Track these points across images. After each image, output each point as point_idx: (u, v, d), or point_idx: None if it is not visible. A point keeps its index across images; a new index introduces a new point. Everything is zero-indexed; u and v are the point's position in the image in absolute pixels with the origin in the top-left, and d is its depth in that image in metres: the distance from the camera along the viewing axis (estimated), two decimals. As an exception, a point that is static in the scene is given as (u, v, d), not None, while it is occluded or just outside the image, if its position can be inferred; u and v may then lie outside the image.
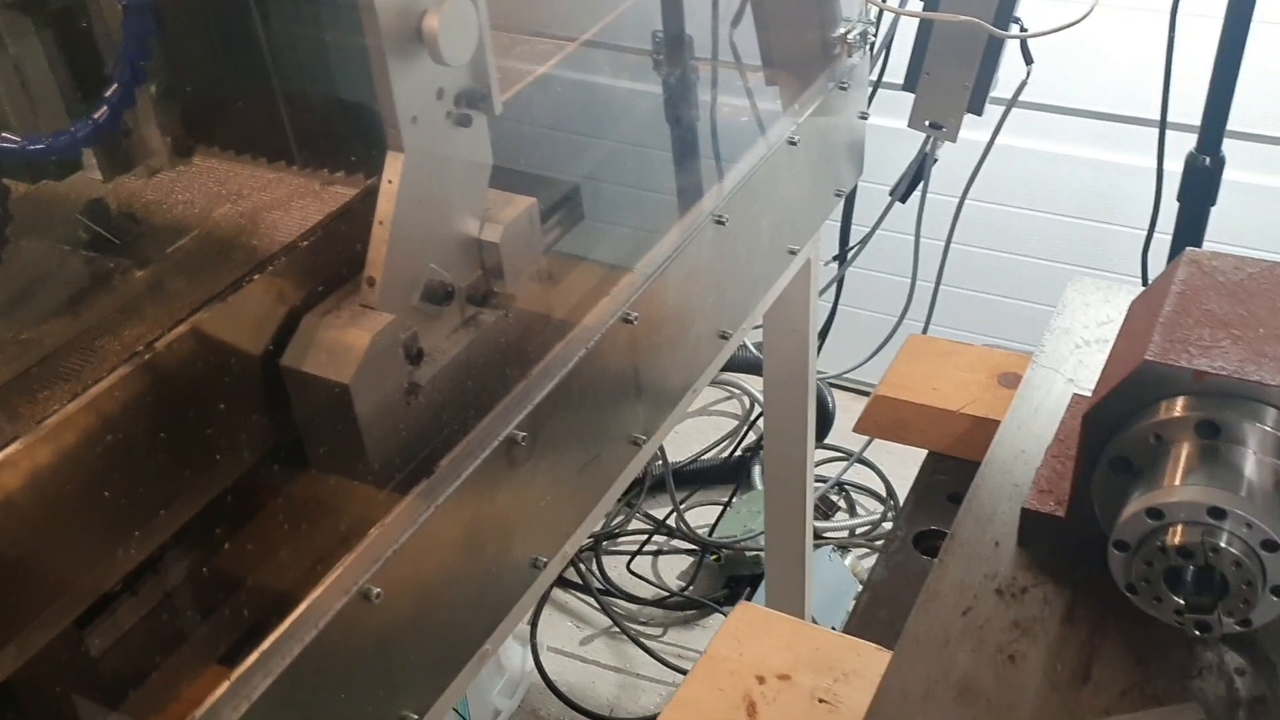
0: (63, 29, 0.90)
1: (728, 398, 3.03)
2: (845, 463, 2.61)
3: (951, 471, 1.23)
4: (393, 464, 0.90)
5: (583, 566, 2.47)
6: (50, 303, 0.94)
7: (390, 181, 0.89)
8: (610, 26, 1.26)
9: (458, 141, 0.93)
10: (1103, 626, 0.93)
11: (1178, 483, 0.84)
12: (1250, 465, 0.85)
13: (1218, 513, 0.81)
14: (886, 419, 1.28)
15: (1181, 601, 0.85)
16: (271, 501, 0.89)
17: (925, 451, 1.27)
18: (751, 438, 2.68)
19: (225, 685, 0.71)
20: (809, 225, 1.48)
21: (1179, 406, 0.87)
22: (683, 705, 0.95)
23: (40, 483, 0.74)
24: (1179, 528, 0.83)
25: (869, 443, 2.48)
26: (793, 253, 1.43)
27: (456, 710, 1.64)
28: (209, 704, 0.70)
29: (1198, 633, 0.86)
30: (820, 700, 0.94)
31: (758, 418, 2.71)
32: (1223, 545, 0.82)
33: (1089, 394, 1.07)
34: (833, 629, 2.33)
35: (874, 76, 1.72)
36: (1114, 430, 0.90)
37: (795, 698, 0.94)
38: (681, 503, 2.61)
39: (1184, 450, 0.86)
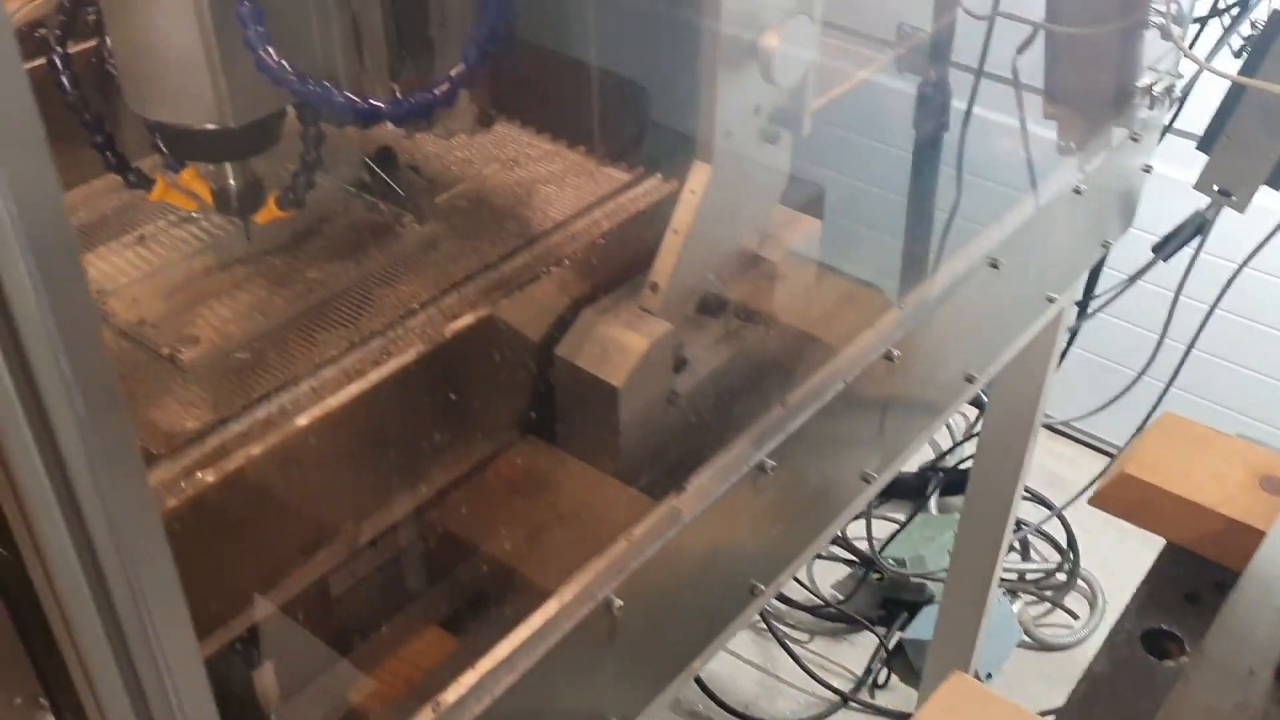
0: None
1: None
2: (1029, 502, 2.51)
3: (1191, 567, 1.16)
4: (641, 468, 0.90)
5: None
6: (332, 243, 0.96)
7: (693, 192, 0.87)
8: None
9: (762, 158, 0.90)
10: (1360, 788, 0.86)
11: None
12: None
13: None
14: (1130, 499, 1.21)
15: None
16: (518, 480, 0.90)
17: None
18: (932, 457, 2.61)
19: (473, 679, 0.71)
20: (1070, 273, 1.41)
21: None
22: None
23: (321, 437, 0.76)
24: None
25: (1074, 500, 2.35)
26: (1051, 300, 1.36)
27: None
28: (455, 699, 0.70)
29: None
30: (1030, 794, 0.90)
31: (956, 445, 2.61)
32: None
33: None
34: (989, 676, 2.26)
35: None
36: None
37: (1003, 785, 0.90)
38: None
39: None
